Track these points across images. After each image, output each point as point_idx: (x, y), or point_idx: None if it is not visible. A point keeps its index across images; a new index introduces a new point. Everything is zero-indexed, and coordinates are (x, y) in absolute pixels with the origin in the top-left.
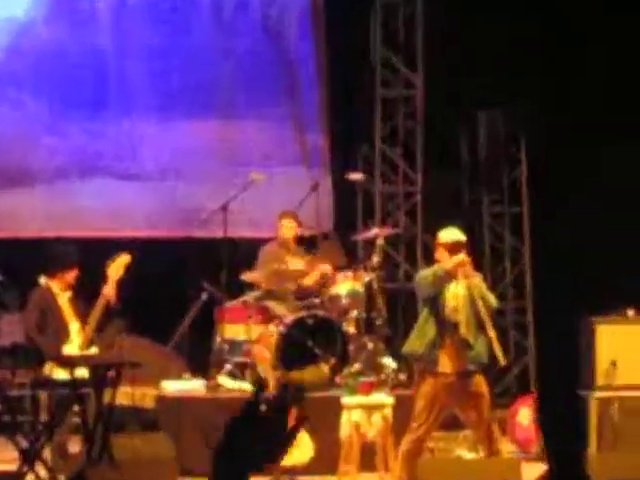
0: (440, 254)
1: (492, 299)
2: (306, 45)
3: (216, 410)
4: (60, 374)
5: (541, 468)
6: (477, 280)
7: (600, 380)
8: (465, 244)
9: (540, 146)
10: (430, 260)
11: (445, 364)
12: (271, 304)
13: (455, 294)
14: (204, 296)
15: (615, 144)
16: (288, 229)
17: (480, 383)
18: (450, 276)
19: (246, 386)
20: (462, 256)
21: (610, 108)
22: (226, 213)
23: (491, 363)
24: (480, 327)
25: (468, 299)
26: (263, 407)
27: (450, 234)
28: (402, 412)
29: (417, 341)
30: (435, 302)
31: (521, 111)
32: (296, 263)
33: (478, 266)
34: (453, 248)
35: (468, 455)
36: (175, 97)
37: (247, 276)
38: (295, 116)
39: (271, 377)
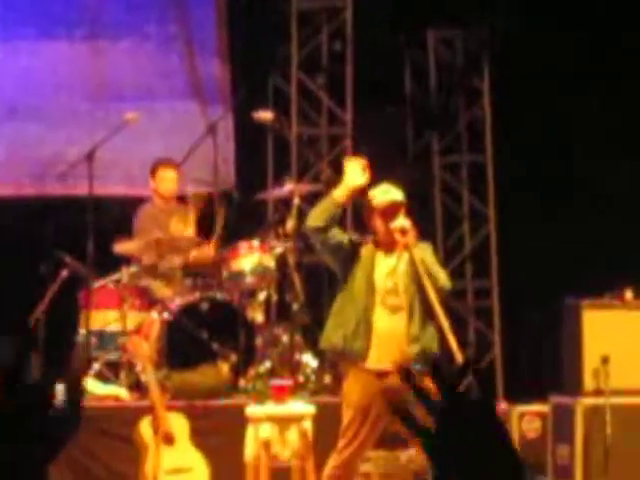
0: (373, 219)
1: (443, 277)
2: None
3: (82, 424)
4: None
5: None
6: (425, 252)
7: (589, 383)
8: (404, 204)
9: (508, 75)
10: (362, 225)
11: (378, 360)
12: (153, 284)
13: (392, 271)
14: (64, 273)
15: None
16: (168, 182)
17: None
18: (339, 206)
19: (119, 391)
20: (401, 221)
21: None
22: (92, 164)
23: (443, 361)
24: (428, 314)
25: (411, 277)
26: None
27: (384, 193)
28: (326, 425)
29: (335, 331)
30: (351, 275)
31: (487, 30)
32: (183, 229)
33: (426, 234)
34: (389, 211)
35: None
36: (24, 10)
37: (121, 247)
38: (184, 36)
39: (152, 379)
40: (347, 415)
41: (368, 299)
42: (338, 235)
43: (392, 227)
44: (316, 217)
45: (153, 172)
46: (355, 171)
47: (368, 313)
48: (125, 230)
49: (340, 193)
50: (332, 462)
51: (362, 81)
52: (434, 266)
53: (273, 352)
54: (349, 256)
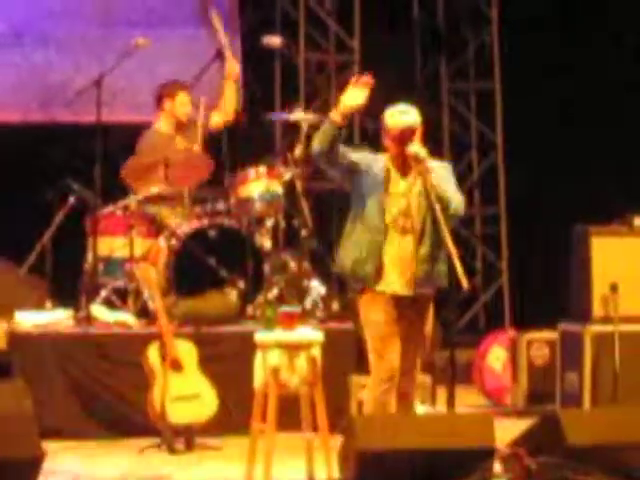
0: (388, 142)
1: (457, 202)
2: None
3: (88, 349)
4: None
5: (518, 425)
6: (442, 172)
7: (597, 310)
8: (420, 128)
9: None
10: (374, 151)
11: (389, 283)
12: (160, 210)
13: (405, 192)
14: (71, 200)
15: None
16: (186, 105)
17: (430, 313)
18: (339, 125)
19: (127, 317)
20: (416, 147)
21: None
22: (100, 90)
23: (451, 288)
24: (440, 239)
25: (424, 201)
26: None
27: (398, 115)
28: (334, 352)
29: (346, 254)
30: (363, 197)
31: None
32: (189, 146)
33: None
34: (404, 135)
35: (422, 408)
36: None
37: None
38: None
39: (160, 306)
40: (369, 336)
41: (379, 220)
42: (346, 154)
43: (406, 152)
44: (316, 140)
45: (170, 94)
46: (354, 91)
47: (379, 235)
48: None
49: (337, 113)
50: (375, 390)
51: (370, 7)
52: (449, 189)
53: (281, 279)
54: (355, 174)
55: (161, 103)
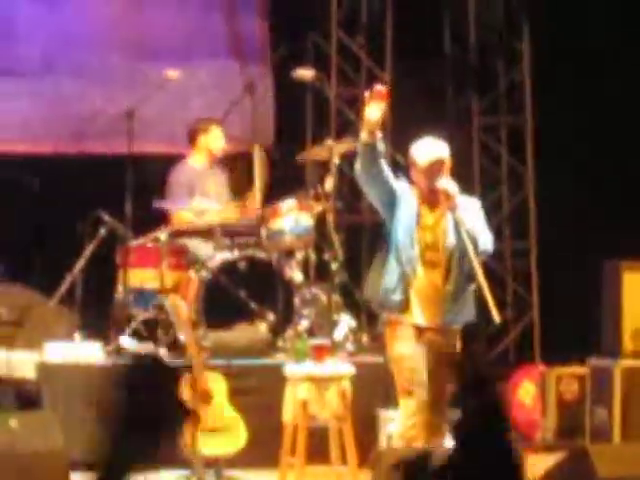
0: (416, 176)
1: (485, 240)
2: None
3: (117, 381)
4: None
5: (548, 460)
6: (471, 208)
7: (628, 345)
8: (449, 162)
9: (549, 36)
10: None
11: (417, 315)
12: (191, 242)
13: (434, 226)
14: (102, 231)
15: None
16: (220, 140)
17: (458, 347)
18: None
19: (158, 350)
20: (446, 183)
21: None
22: (132, 121)
23: (481, 322)
24: (468, 273)
25: (452, 236)
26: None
27: (427, 149)
28: (364, 385)
29: (376, 282)
30: (397, 227)
31: None
32: (221, 190)
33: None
34: (432, 169)
35: (451, 442)
36: None
37: (162, 205)
38: None
39: (190, 338)
40: (397, 369)
41: (411, 252)
42: (390, 178)
43: (437, 186)
44: (357, 164)
45: (205, 130)
46: (372, 106)
47: (408, 266)
48: (164, 188)
49: (364, 132)
50: (404, 424)
51: (402, 41)
52: (478, 226)
53: (311, 311)
54: (393, 202)
55: (195, 139)
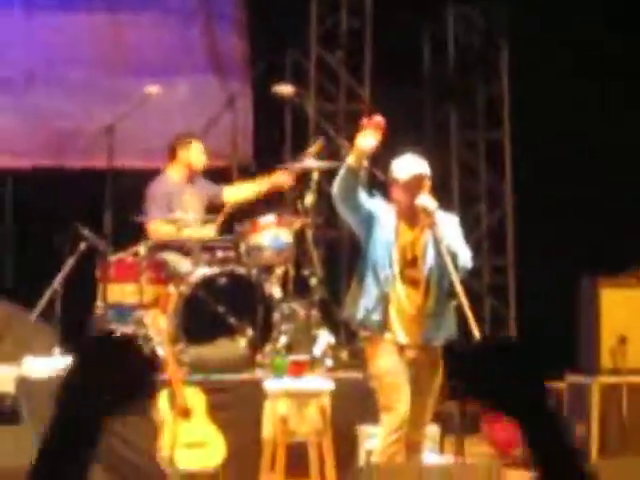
0: (396, 192)
1: (464, 257)
2: None
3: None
4: None
5: (526, 476)
6: (450, 225)
7: (605, 362)
8: (429, 178)
9: (528, 54)
10: (384, 200)
11: (398, 333)
12: (170, 257)
13: (413, 243)
14: (82, 246)
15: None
16: (201, 154)
17: (439, 363)
18: (361, 160)
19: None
20: (425, 200)
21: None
22: (111, 137)
23: (460, 338)
24: (448, 290)
25: (434, 251)
26: None
27: (409, 165)
28: (344, 401)
29: (355, 302)
30: (372, 242)
31: (505, 6)
32: (197, 206)
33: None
34: (412, 185)
35: (430, 457)
36: None
37: (142, 218)
38: (204, 11)
39: (169, 353)
40: (379, 385)
41: (389, 271)
42: (365, 201)
43: (415, 203)
44: (336, 186)
45: (186, 145)
46: (367, 133)
47: (387, 286)
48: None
49: (352, 157)
50: (384, 440)
51: (381, 57)
52: (456, 243)
53: (290, 327)
54: (370, 222)
55: (175, 153)
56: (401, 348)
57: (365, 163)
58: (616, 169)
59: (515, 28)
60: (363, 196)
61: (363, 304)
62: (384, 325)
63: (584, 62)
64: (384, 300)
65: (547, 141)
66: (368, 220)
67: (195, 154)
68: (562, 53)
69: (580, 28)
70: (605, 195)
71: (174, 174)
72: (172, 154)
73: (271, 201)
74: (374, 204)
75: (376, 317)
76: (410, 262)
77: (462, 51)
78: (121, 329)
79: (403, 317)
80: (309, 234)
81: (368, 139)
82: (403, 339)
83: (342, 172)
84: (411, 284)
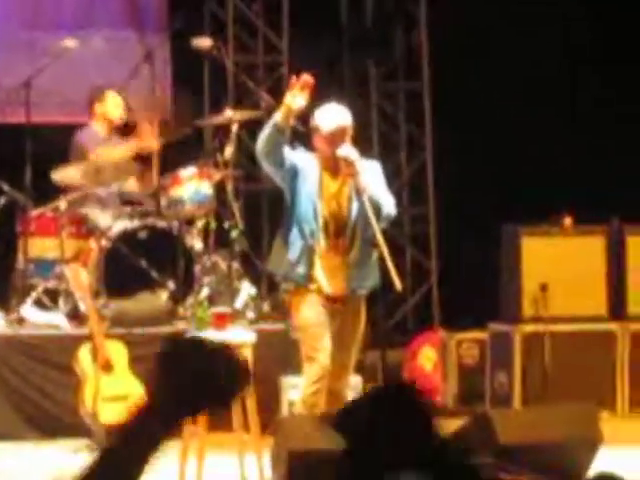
0: (319, 142)
1: (388, 205)
2: None
3: (19, 352)
4: None
5: (450, 425)
6: (372, 172)
7: (527, 310)
8: (351, 129)
9: (445, 2)
10: (306, 150)
11: (322, 284)
12: (91, 211)
13: (336, 194)
14: (1, 201)
15: None
16: (118, 107)
17: (362, 313)
18: (285, 126)
19: (58, 319)
20: (346, 150)
21: None
22: (29, 91)
23: (382, 289)
24: (371, 240)
25: (355, 203)
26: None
27: (331, 116)
28: (266, 353)
29: (280, 255)
30: (299, 199)
31: None
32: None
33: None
34: (335, 136)
35: None
36: None
37: (59, 174)
38: None
39: (90, 307)
40: (302, 336)
41: (313, 224)
42: (288, 155)
43: (337, 154)
44: (261, 142)
45: (100, 98)
46: (296, 91)
47: (312, 238)
48: (63, 157)
49: (281, 115)
50: (306, 389)
51: (298, 7)
52: (380, 191)
53: (212, 280)
54: (293, 175)
55: (92, 107)
56: (326, 298)
57: (292, 121)
58: (535, 114)
59: None
60: (286, 150)
61: (288, 257)
62: (309, 277)
63: (503, 10)
64: (309, 252)
65: (466, 90)
66: (291, 173)
67: (111, 106)
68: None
69: None
70: (525, 141)
71: (98, 128)
72: (90, 108)
73: (191, 154)
74: (297, 157)
75: (301, 270)
76: (334, 213)
77: (380, 1)
78: (42, 283)
79: (328, 268)
80: (229, 186)
81: (297, 98)
82: (329, 290)
83: (269, 129)
84: (335, 235)
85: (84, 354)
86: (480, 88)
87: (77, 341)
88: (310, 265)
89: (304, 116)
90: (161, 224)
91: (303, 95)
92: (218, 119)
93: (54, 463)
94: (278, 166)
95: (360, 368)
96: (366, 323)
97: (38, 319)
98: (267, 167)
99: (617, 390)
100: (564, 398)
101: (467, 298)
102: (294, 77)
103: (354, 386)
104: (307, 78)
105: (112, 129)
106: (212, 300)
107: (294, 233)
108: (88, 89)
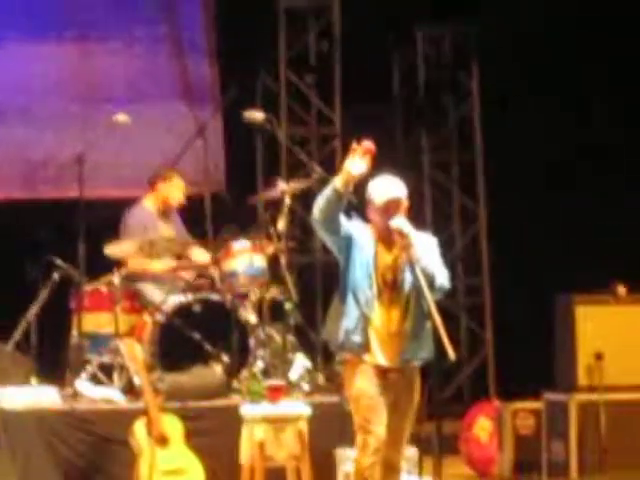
0: (373, 214)
1: (442, 278)
2: None
3: (74, 427)
4: None
5: None
6: (428, 246)
7: (582, 379)
8: (406, 201)
9: (498, 73)
10: (362, 221)
11: (377, 355)
12: (145, 286)
13: (391, 265)
14: (55, 276)
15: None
16: (178, 191)
17: (417, 384)
18: (343, 193)
19: (113, 393)
20: (399, 221)
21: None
22: (82, 166)
23: (436, 359)
24: (426, 311)
25: (409, 275)
26: None
27: (385, 188)
28: (321, 425)
29: (336, 323)
30: (355, 269)
31: (474, 27)
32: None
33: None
34: (388, 207)
35: (408, 479)
36: (12, 11)
37: (113, 249)
38: (173, 37)
39: (145, 381)
40: (356, 407)
41: (369, 293)
42: (344, 223)
43: (391, 226)
44: (318, 207)
45: (166, 178)
46: (355, 158)
47: (367, 307)
48: (116, 232)
49: (340, 180)
50: (362, 462)
51: (351, 80)
52: (434, 263)
53: (266, 352)
54: (349, 244)
55: (154, 185)
56: (380, 370)
57: (351, 188)
58: (589, 185)
59: (484, 44)
60: (342, 218)
61: (344, 326)
62: (365, 346)
63: (556, 80)
64: (364, 321)
65: (519, 160)
66: (347, 242)
67: (174, 190)
68: (533, 72)
69: (552, 47)
70: (580, 212)
71: (150, 204)
72: (152, 185)
73: (245, 228)
74: (353, 226)
75: (357, 338)
76: (389, 284)
77: (432, 72)
78: (97, 358)
79: (382, 339)
80: (283, 259)
81: (358, 164)
82: (382, 361)
83: (327, 195)
84: (390, 306)
85: (139, 428)
86: (534, 155)
87: (132, 415)
88: (366, 334)
89: (358, 187)
90: (215, 297)
91: (364, 161)
92: (271, 193)
93: None
94: (334, 233)
95: (416, 439)
96: (421, 394)
97: (93, 394)
98: (323, 234)
99: None
100: (621, 468)
101: (523, 368)
102: (355, 143)
103: (409, 458)
104: (368, 144)
105: (166, 210)
106: (266, 373)
107: (350, 302)
108: (141, 164)
